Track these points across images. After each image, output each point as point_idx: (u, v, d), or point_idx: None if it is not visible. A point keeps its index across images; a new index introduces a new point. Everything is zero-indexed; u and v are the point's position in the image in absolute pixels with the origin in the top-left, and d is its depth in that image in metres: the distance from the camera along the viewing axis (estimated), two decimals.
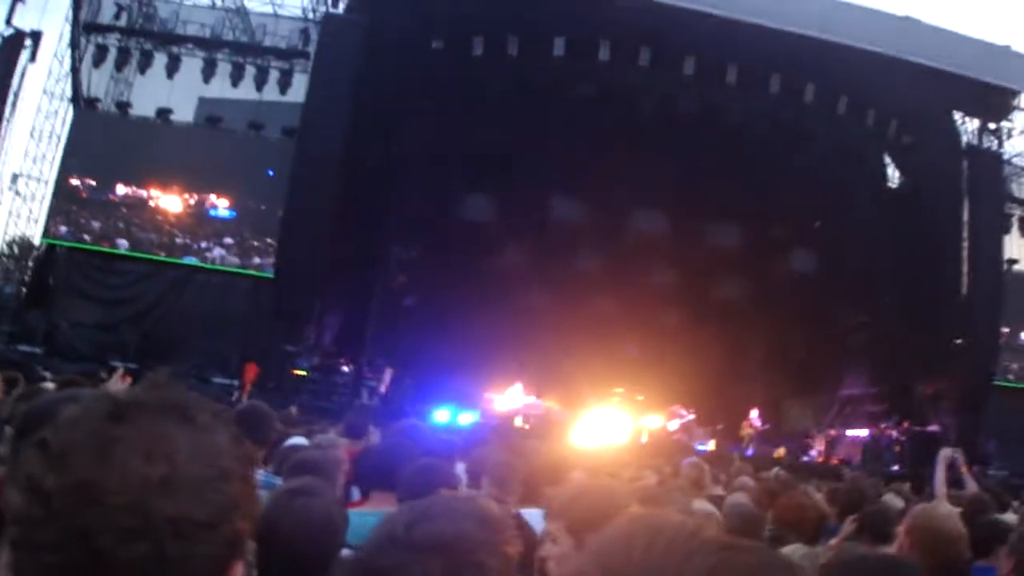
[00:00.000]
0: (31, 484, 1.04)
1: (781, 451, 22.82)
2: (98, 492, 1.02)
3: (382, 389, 22.95)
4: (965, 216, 23.48)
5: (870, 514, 5.37)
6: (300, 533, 2.64)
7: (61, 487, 1.02)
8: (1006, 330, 24.22)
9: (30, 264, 25.47)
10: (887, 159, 26.39)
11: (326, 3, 22.78)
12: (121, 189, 23.59)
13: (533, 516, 3.86)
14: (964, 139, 24.40)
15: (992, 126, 24.38)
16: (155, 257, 23.31)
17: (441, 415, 21.32)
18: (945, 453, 7.59)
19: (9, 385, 7.60)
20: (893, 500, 7.08)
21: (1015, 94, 24.12)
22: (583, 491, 2.92)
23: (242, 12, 24.48)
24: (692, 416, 24.18)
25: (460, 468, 6.33)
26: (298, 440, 6.66)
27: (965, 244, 23.33)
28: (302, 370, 20.92)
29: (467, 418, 21.75)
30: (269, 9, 24.55)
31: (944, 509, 5.22)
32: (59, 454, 1.05)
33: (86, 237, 23.39)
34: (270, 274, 22.03)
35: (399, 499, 3.92)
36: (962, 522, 4.50)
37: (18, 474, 1.07)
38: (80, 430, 1.07)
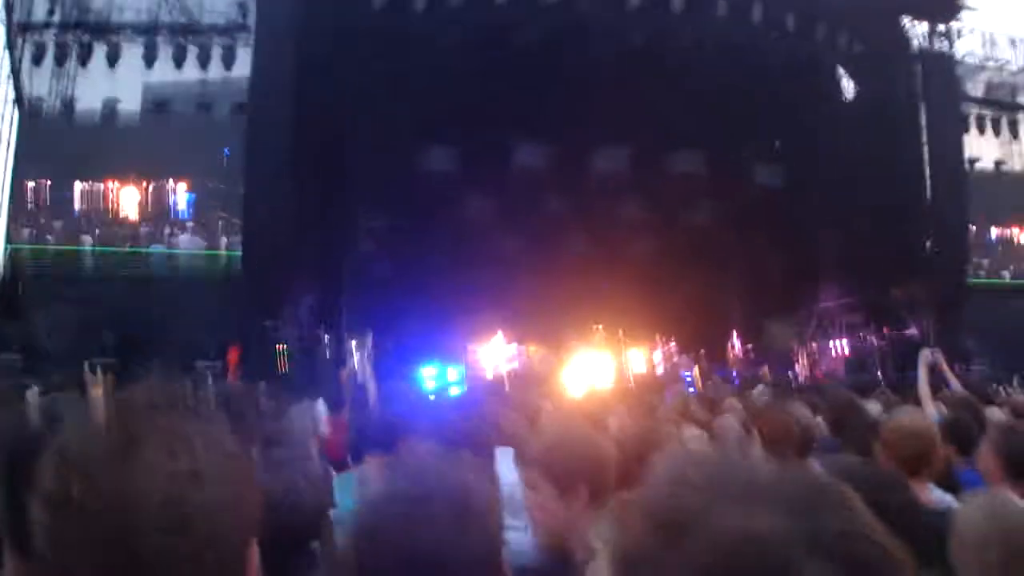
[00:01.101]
0: (55, 498, 1.06)
1: (765, 370, 23.05)
2: (131, 494, 1.05)
3: (366, 355, 22.90)
4: (923, 120, 23.53)
5: (850, 427, 5.45)
6: (269, 510, 2.66)
7: (92, 495, 1.04)
8: (974, 228, 24.43)
9: None
10: (841, 71, 26.38)
11: None
12: (79, 186, 23.35)
13: (502, 455, 3.90)
14: (915, 43, 24.38)
15: (942, 28, 24.37)
16: (122, 250, 23.12)
17: (427, 372, 21.36)
18: (924, 355, 7.68)
19: None
20: (874, 408, 7.17)
21: None
22: (560, 439, 2.90)
23: None
24: (673, 344, 24.34)
25: None
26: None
27: (925, 147, 23.41)
28: (282, 345, 20.88)
29: (454, 373, 21.81)
30: None
31: (919, 409, 5.30)
32: (80, 464, 1.07)
33: (49, 238, 23.16)
34: (238, 252, 21.90)
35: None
36: (940, 421, 4.58)
37: (39, 489, 1.09)
38: (96, 439, 1.09)
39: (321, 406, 6.74)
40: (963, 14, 24.71)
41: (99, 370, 6.84)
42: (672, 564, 0.82)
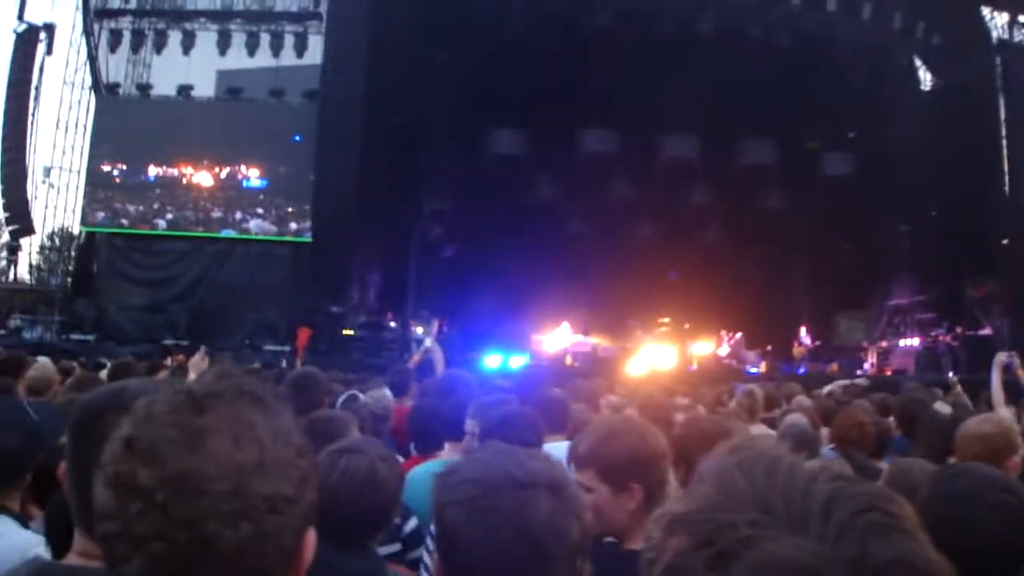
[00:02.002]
0: (121, 480, 1.08)
1: (834, 367, 22.71)
2: (199, 482, 1.07)
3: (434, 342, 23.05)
4: (1002, 113, 22.93)
5: (922, 428, 5.31)
6: (345, 491, 2.70)
7: (159, 481, 1.06)
8: None
9: (72, 254, 25.80)
10: (917, 62, 25.81)
11: None
12: (153, 170, 23.79)
13: (559, 448, 3.86)
14: (995, 34, 23.75)
15: (1022, 18, 23.70)
16: (194, 234, 23.56)
17: (492, 360, 21.41)
18: (1000, 357, 7.46)
19: (65, 375, 7.74)
20: (941, 408, 7.00)
21: None
22: (610, 434, 2.83)
23: None
24: (740, 336, 24.10)
25: None
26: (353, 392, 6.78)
27: (1004, 141, 22.81)
28: (350, 330, 21.11)
29: (518, 361, 21.83)
30: None
31: (996, 415, 5.15)
32: (148, 448, 1.09)
33: (124, 221, 23.67)
34: (308, 238, 22.16)
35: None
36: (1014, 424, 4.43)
37: (105, 472, 1.11)
38: (164, 423, 1.11)
39: (387, 391, 6.77)
40: None
41: (172, 351, 6.97)
42: None
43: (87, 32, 24.48)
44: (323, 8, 23.05)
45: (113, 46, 24.46)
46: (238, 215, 23.56)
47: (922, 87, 26.07)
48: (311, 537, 1.21)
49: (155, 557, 1.06)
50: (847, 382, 11.73)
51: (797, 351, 24.08)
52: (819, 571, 0.79)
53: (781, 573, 0.80)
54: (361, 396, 6.48)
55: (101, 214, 23.73)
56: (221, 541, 1.06)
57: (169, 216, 23.63)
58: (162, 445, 1.09)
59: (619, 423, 2.99)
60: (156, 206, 23.71)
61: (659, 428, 3.04)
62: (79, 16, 24.56)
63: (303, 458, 1.18)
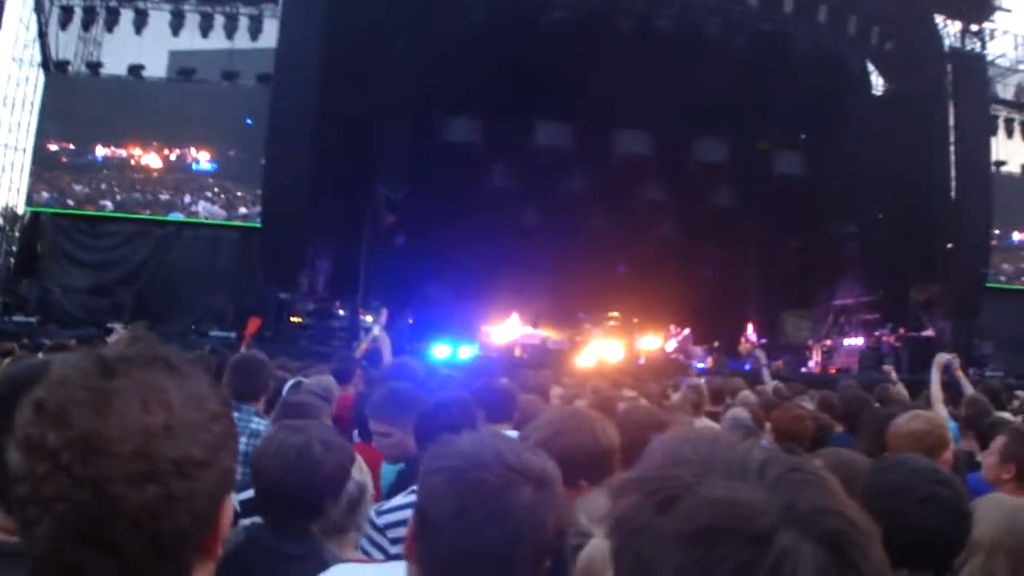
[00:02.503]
0: (31, 442, 1.09)
1: (779, 364, 22.99)
2: (104, 443, 1.08)
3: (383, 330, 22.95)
4: (951, 120, 23.33)
5: (864, 424, 5.39)
6: (276, 467, 2.72)
7: (66, 442, 1.07)
8: (997, 232, 24.21)
9: (16, 234, 25.33)
10: (870, 66, 26.15)
11: None
12: (100, 150, 23.40)
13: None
14: (947, 42, 24.15)
15: (974, 28, 24.13)
16: (141, 216, 23.22)
17: (440, 350, 21.40)
18: (941, 359, 7.61)
19: (4, 356, 7.60)
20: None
21: None
22: (562, 429, 2.81)
23: None
24: (687, 331, 24.30)
25: None
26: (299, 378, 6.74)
27: (952, 148, 23.22)
28: (298, 317, 20.94)
29: (466, 351, 21.84)
30: None
31: (928, 412, 5.24)
32: (57, 411, 1.10)
33: (70, 202, 23.26)
34: (257, 224, 21.93)
35: (419, 439, 3.66)
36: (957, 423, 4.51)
37: (16, 435, 1.12)
38: (74, 387, 1.12)
39: (330, 378, 6.74)
40: (997, 15, 24.49)
41: (114, 332, 6.86)
42: (662, 530, 0.91)
43: (38, 8, 23.98)
44: None
45: (64, 23, 23.97)
46: (187, 198, 23.26)
47: (874, 91, 26.44)
48: (229, 505, 1.22)
49: (62, 518, 1.07)
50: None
51: (744, 348, 24.33)
52: (756, 508, 0.89)
53: (722, 509, 0.90)
54: (306, 382, 6.46)
55: (47, 194, 23.29)
56: (126, 502, 1.07)
57: (117, 197, 23.26)
58: (70, 407, 1.09)
59: (571, 418, 2.95)
60: (103, 187, 23.33)
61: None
62: None
63: (217, 423, 1.18)
